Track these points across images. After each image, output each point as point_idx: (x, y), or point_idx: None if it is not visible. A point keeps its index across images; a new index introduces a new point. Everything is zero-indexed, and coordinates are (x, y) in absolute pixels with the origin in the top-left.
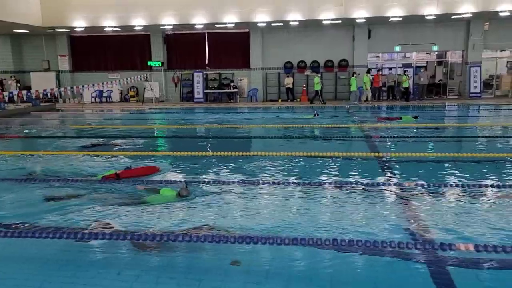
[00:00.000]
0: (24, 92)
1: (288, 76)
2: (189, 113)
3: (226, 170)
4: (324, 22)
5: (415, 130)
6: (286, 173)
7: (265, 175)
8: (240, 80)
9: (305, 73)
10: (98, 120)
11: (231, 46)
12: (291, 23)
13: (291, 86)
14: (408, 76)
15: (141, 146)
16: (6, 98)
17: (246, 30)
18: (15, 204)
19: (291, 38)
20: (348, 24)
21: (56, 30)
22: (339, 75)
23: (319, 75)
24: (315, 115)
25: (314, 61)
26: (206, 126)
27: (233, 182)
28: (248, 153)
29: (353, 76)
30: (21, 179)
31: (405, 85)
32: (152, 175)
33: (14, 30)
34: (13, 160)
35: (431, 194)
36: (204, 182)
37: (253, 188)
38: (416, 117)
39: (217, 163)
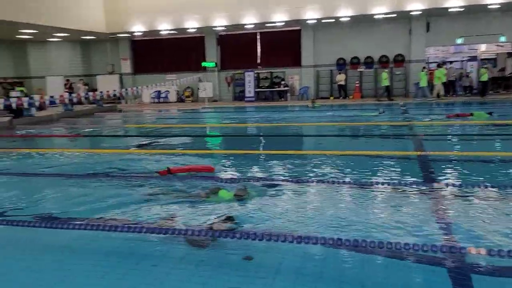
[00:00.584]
0: (91, 93)
1: (340, 73)
2: (239, 111)
3: (277, 169)
4: (376, 16)
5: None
6: (342, 172)
7: (320, 174)
8: (291, 78)
9: (358, 69)
10: (154, 119)
11: (282, 45)
12: (342, 19)
13: (343, 83)
14: (487, 69)
15: (192, 144)
16: (74, 100)
17: (297, 28)
18: (81, 199)
19: (344, 34)
20: (403, 17)
21: (118, 35)
22: (394, 70)
23: (387, 70)
24: (380, 113)
25: (368, 57)
26: (256, 125)
27: (286, 181)
28: (300, 152)
29: (422, 71)
30: (85, 175)
31: (483, 78)
32: (206, 173)
33: (82, 37)
34: (78, 158)
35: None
36: (258, 180)
37: (305, 187)
38: (490, 114)
39: (268, 161)
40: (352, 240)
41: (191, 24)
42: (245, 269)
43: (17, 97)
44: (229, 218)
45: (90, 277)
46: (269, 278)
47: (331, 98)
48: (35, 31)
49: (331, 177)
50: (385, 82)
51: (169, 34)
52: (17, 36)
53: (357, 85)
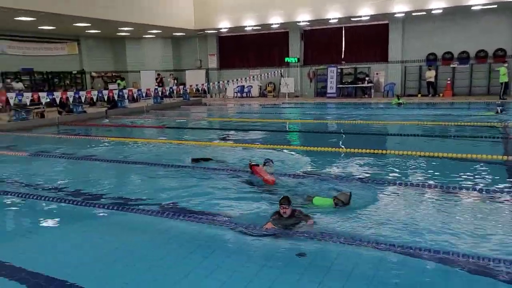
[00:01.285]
0: (181, 87)
1: (430, 69)
2: (319, 107)
3: (357, 167)
4: (474, 8)
5: None
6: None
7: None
8: (377, 74)
9: (451, 65)
10: (237, 113)
11: (368, 39)
12: (434, 11)
13: (432, 79)
14: None
15: (271, 138)
16: (167, 93)
17: (385, 22)
18: (164, 187)
19: (436, 28)
20: (505, 8)
21: (206, 32)
22: (493, 66)
23: (506, 64)
24: (497, 112)
25: (462, 51)
26: (336, 122)
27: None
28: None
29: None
30: (167, 165)
31: None
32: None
33: (173, 34)
34: (163, 148)
35: None
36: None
37: (386, 188)
38: None
39: (347, 159)
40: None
41: (275, 20)
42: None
43: (115, 89)
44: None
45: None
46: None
47: (419, 95)
48: (131, 29)
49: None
50: (503, 78)
51: (253, 30)
52: (117, 34)
53: (448, 82)
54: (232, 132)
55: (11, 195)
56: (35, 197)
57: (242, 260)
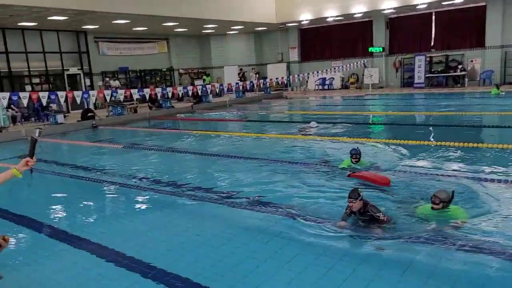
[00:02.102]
0: (261, 81)
1: None
2: (405, 99)
3: (431, 161)
4: None
5: None
6: None
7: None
8: (472, 61)
9: None
10: (318, 106)
11: (462, 24)
12: None
13: None
14: None
15: (353, 131)
16: (248, 87)
17: (482, 3)
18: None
19: None
20: None
21: (287, 25)
22: None
23: None
24: None
25: None
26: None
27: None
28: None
29: None
30: (248, 157)
31: None
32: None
33: (255, 29)
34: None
35: None
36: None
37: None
38: None
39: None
40: None
41: (358, 9)
42: None
43: (200, 85)
44: None
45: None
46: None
47: (498, 83)
48: (216, 26)
49: None
50: None
51: (335, 21)
52: (202, 31)
53: None
54: (312, 125)
55: (107, 183)
56: (127, 186)
57: (314, 255)
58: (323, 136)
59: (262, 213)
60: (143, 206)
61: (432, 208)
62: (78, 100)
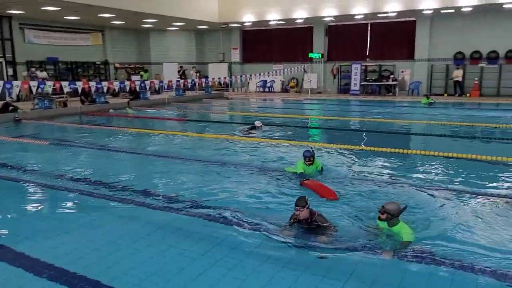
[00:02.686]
0: (203, 80)
1: (458, 68)
2: (342, 105)
3: (374, 167)
4: (506, 6)
5: None
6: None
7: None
8: (402, 72)
9: (479, 65)
10: (258, 108)
11: (395, 36)
12: (463, 9)
13: (460, 79)
14: None
15: (292, 134)
16: (189, 85)
17: (412, 19)
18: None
19: (465, 26)
20: None
21: (229, 25)
22: None
23: None
24: None
25: (492, 51)
26: (358, 119)
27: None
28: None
29: None
30: (187, 159)
31: None
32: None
33: (197, 27)
34: (182, 141)
35: None
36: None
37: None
38: None
39: (367, 158)
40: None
41: (300, 14)
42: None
43: (138, 80)
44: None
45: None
46: None
47: (445, 95)
48: (156, 21)
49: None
50: None
51: (277, 24)
52: (141, 26)
53: (476, 82)
54: (257, 124)
55: (30, 183)
56: (53, 188)
57: (258, 263)
58: (265, 139)
59: (204, 220)
60: (71, 210)
61: (379, 218)
62: None
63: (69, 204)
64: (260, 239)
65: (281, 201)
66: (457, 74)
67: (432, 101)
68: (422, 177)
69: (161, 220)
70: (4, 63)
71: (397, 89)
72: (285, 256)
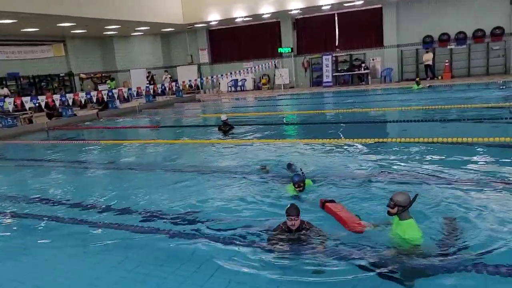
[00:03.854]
0: (173, 84)
1: (427, 52)
2: (316, 97)
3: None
4: None
5: None
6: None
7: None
8: (373, 60)
9: (448, 47)
10: (232, 108)
11: (362, 25)
12: None
13: (430, 62)
14: None
15: (268, 132)
16: (159, 91)
17: (378, 6)
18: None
19: (430, 10)
20: None
21: (195, 25)
22: (491, 45)
23: None
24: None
25: (459, 32)
26: (333, 111)
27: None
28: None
29: None
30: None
31: None
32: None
33: (162, 30)
34: (157, 149)
35: None
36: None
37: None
38: None
39: (348, 151)
40: None
41: (266, 9)
42: None
43: (105, 90)
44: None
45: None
46: None
47: (417, 79)
48: (119, 27)
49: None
50: None
51: (244, 21)
52: (104, 33)
53: (446, 64)
54: (222, 118)
55: None
56: (19, 216)
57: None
58: (241, 139)
59: (182, 238)
60: (41, 239)
61: (388, 212)
62: None
63: (39, 232)
64: (253, 255)
65: (264, 209)
66: (427, 57)
67: (423, 86)
68: (410, 165)
69: (136, 241)
70: None
71: (369, 77)
72: (284, 274)
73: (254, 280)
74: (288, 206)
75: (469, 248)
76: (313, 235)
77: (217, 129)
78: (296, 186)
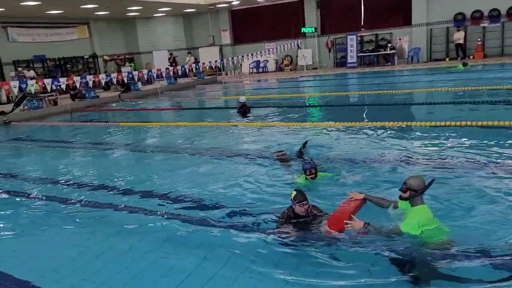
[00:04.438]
0: (193, 65)
1: (458, 30)
2: (338, 79)
3: (382, 143)
4: None
5: None
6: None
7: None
8: (400, 39)
9: (481, 25)
10: (252, 90)
11: (390, 3)
12: None
13: (461, 41)
14: None
15: (290, 114)
16: (179, 72)
17: None
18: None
19: None
20: None
21: (217, 6)
22: None
23: None
24: None
25: (493, 9)
26: (356, 93)
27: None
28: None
29: None
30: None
31: None
32: None
33: (184, 11)
34: (178, 131)
35: None
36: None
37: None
38: None
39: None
40: None
41: None
42: None
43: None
44: None
45: None
46: None
47: (447, 59)
48: (141, 8)
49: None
50: None
51: (267, 1)
52: (127, 14)
53: (479, 43)
54: (241, 100)
55: (24, 196)
56: (45, 198)
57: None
58: (262, 122)
59: (197, 224)
60: (67, 222)
61: (400, 197)
62: None
63: (65, 215)
64: (265, 243)
65: (276, 193)
66: (458, 36)
67: (470, 65)
68: (438, 150)
69: (156, 225)
70: None
71: (395, 57)
72: (292, 260)
73: (266, 268)
74: (295, 192)
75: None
76: (318, 216)
77: (235, 111)
78: (308, 173)
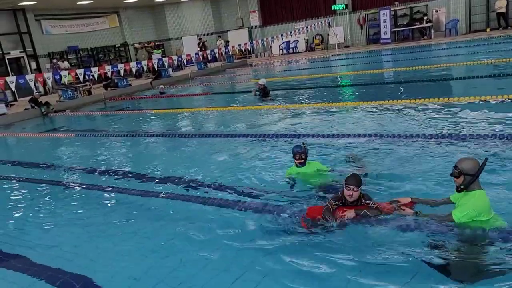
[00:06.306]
0: (224, 49)
1: None
2: (372, 56)
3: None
4: None
5: None
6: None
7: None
8: (436, 11)
9: None
10: (282, 71)
11: None
12: None
13: (504, 10)
14: None
15: (323, 97)
16: (209, 57)
17: None
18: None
19: None
20: None
21: None
22: None
23: None
24: None
25: None
26: (392, 70)
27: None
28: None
29: None
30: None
31: None
32: None
33: None
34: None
35: None
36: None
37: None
38: None
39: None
40: None
41: None
42: None
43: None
44: None
45: None
46: None
47: (488, 30)
48: None
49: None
50: None
51: None
52: (155, 1)
53: None
54: (280, 92)
55: (61, 184)
56: (85, 186)
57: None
58: (291, 104)
59: (230, 207)
60: (109, 210)
61: (457, 188)
62: (13, 87)
63: (105, 203)
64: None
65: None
66: (500, 4)
67: None
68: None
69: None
70: (25, 57)
71: (432, 31)
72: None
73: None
74: (349, 174)
75: None
76: (370, 212)
77: (253, 94)
78: (297, 158)
